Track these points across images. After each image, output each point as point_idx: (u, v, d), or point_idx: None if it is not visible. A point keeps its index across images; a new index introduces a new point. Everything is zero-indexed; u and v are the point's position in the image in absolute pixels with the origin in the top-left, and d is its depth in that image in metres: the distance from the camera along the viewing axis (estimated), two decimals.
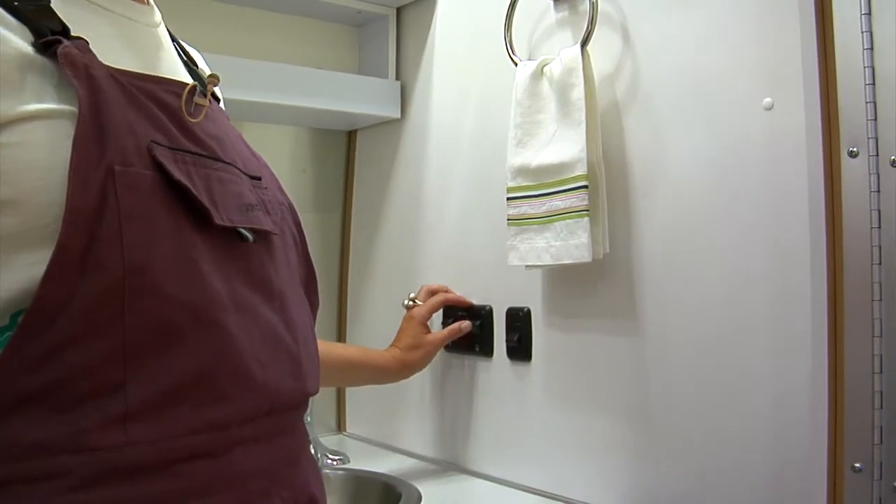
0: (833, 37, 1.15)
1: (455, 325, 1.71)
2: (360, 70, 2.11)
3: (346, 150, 2.19)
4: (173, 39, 0.99)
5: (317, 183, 2.15)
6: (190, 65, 0.99)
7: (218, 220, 0.77)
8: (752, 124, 1.25)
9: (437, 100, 1.90)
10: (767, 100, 1.22)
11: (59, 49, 0.70)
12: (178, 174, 0.73)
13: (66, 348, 0.66)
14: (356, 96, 1.94)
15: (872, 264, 1.10)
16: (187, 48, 1.05)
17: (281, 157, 2.09)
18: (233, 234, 0.80)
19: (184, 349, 0.72)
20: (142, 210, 0.70)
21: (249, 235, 0.82)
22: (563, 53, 1.44)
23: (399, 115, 1.99)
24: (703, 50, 1.32)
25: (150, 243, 0.70)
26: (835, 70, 1.16)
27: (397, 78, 2.02)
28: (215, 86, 0.90)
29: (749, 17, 1.26)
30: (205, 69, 1.05)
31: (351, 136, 2.19)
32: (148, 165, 0.72)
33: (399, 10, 2.05)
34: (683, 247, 1.34)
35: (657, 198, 1.38)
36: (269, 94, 1.77)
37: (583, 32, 1.44)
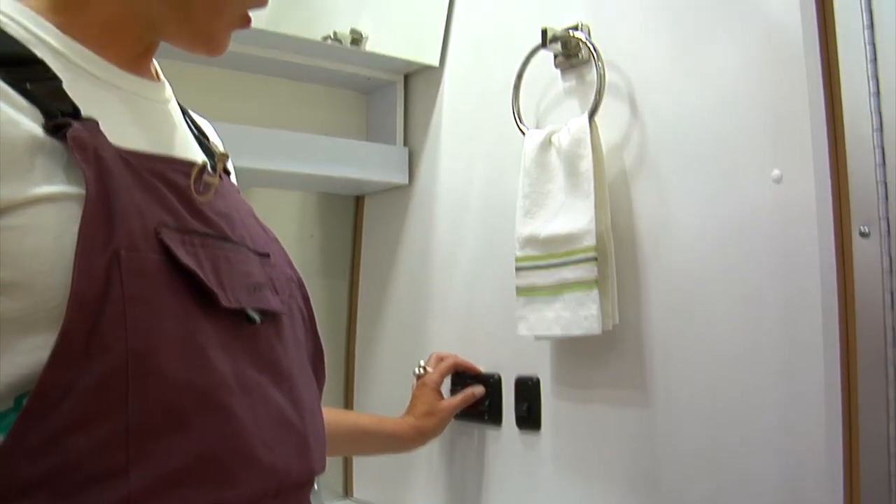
0: (842, 116, 1.15)
1: (468, 391, 1.70)
2: (368, 136, 2.12)
3: (354, 214, 2.19)
4: (184, 112, 1.00)
5: (324, 247, 2.14)
6: (201, 138, 1.00)
7: (225, 303, 0.76)
8: (760, 196, 1.24)
9: (445, 166, 1.90)
10: (776, 172, 1.22)
11: (69, 132, 0.70)
12: (185, 258, 0.73)
13: (70, 433, 0.65)
14: (364, 163, 1.94)
15: (886, 346, 1.09)
16: (198, 120, 1.05)
17: (288, 222, 2.09)
18: (240, 315, 0.80)
19: (189, 432, 0.71)
20: (147, 294, 0.70)
21: (257, 317, 0.81)
22: (570, 123, 1.44)
23: (407, 181, 2.00)
24: (711, 120, 1.33)
25: (155, 327, 0.70)
26: (844, 148, 1.15)
27: (405, 144, 2.03)
28: (225, 164, 0.90)
29: (757, 87, 1.27)
30: (216, 141, 1.05)
31: (359, 200, 2.19)
32: (155, 249, 0.72)
33: (407, 77, 2.06)
34: (693, 317, 1.33)
35: (666, 268, 1.37)
36: (277, 161, 1.78)
37: (590, 102, 1.44)
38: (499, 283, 1.67)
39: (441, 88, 1.94)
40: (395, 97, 2.05)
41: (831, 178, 1.15)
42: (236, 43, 1.71)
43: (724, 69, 1.32)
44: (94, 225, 0.68)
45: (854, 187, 1.13)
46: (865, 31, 1.14)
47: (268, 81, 1.98)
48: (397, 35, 1.96)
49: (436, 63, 1.95)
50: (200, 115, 1.08)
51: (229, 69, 1.90)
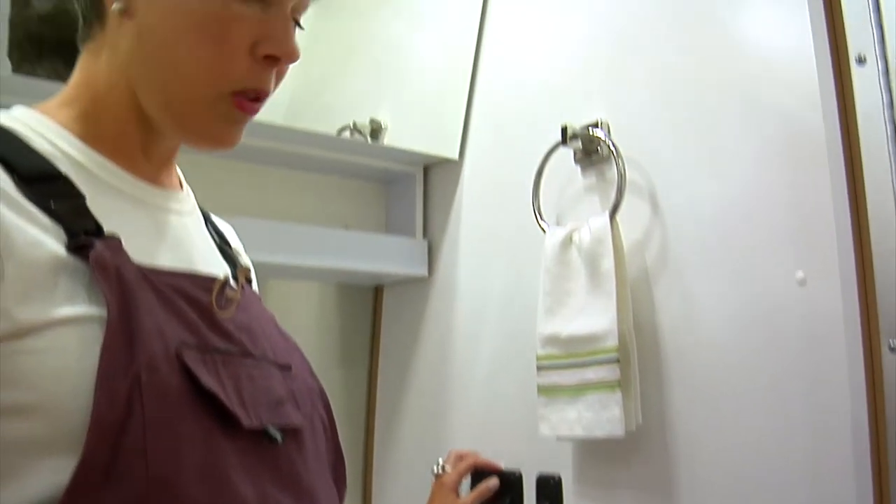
0: (868, 220, 1.14)
1: (483, 486, 1.66)
2: (388, 226, 2.12)
3: (373, 305, 2.19)
4: (206, 218, 0.99)
5: (343, 338, 2.13)
6: (223, 246, 0.99)
7: (247, 423, 0.75)
8: (784, 297, 1.23)
9: (464, 259, 1.90)
10: (800, 274, 1.21)
11: (91, 253, 0.70)
12: (207, 379, 0.72)
13: None
14: (383, 256, 1.94)
15: None
16: (219, 224, 1.05)
17: (307, 313, 2.09)
18: (262, 433, 0.78)
19: None
20: (167, 418, 0.68)
21: (279, 436, 0.80)
22: (591, 222, 1.44)
23: (427, 274, 1.99)
24: (733, 218, 1.32)
25: (175, 452, 0.68)
26: (871, 254, 1.14)
27: (425, 236, 2.03)
28: (247, 278, 0.90)
29: (778, 185, 1.26)
30: (237, 246, 1.05)
31: (378, 291, 2.18)
32: (176, 371, 0.71)
33: (426, 169, 2.07)
34: (717, 419, 1.31)
35: (690, 368, 1.36)
36: (296, 256, 1.77)
37: (611, 201, 1.44)
38: (520, 379, 1.65)
39: (461, 181, 1.95)
40: (414, 189, 2.06)
41: (858, 286, 1.14)
42: (254, 137, 1.75)
43: (744, 167, 1.32)
44: (116, 348, 0.67)
45: (882, 297, 1.12)
46: (889, 130, 1.13)
47: (286, 174, 1.99)
48: (417, 125, 1.98)
49: (455, 156, 1.96)
50: (221, 218, 1.07)
51: (249, 163, 1.91)
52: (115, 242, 0.74)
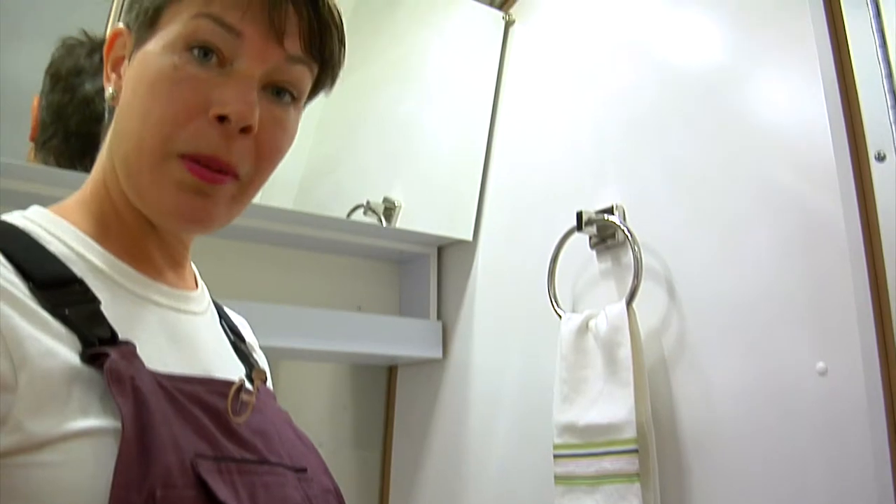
0: (890, 312, 1.13)
1: None
2: (401, 307, 2.12)
3: (387, 384, 2.17)
4: (219, 313, 0.99)
5: (356, 419, 2.11)
6: (237, 343, 0.99)
7: None
8: (805, 386, 1.21)
9: (479, 342, 1.89)
10: (820, 364, 1.20)
11: (106, 364, 0.69)
12: (222, 491, 0.71)
13: None
14: (397, 338, 1.93)
15: None
16: (233, 318, 1.04)
17: (320, 394, 2.07)
18: None
19: None
20: None
21: None
22: (608, 310, 1.43)
23: (441, 356, 1.98)
24: (751, 305, 1.31)
25: None
26: (894, 345, 1.12)
27: (439, 318, 2.02)
28: (263, 381, 0.89)
29: (798, 274, 1.25)
30: (251, 340, 1.05)
31: (392, 371, 2.17)
32: (191, 484, 0.69)
33: (440, 249, 2.07)
34: None
35: (709, 458, 1.33)
36: (309, 340, 1.77)
37: (628, 287, 1.43)
38: (536, 465, 1.62)
39: (475, 262, 1.95)
40: (428, 269, 2.06)
41: (882, 379, 1.12)
42: (266, 220, 1.75)
43: (761, 253, 1.31)
44: (130, 462, 0.66)
45: None
46: None
47: (299, 255, 1.99)
48: (431, 205, 1.98)
49: (469, 237, 1.96)
50: (234, 307, 1.07)
51: (259, 243, 1.91)
52: (129, 349, 0.73)
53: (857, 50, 1.21)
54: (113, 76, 0.84)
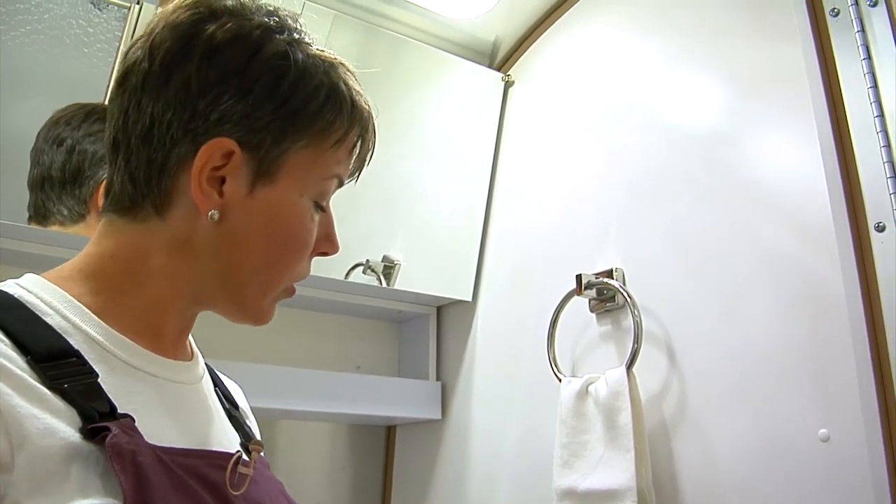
0: (892, 377, 1.12)
1: None
2: (400, 366, 2.11)
3: (386, 445, 2.15)
4: (214, 381, 0.99)
5: (355, 479, 2.09)
6: (231, 409, 0.99)
7: None
8: (807, 452, 1.20)
9: (478, 403, 1.88)
10: (823, 431, 1.19)
11: (107, 441, 0.69)
12: None
13: None
14: (396, 398, 1.92)
15: None
16: (227, 385, 1.05)
17: (318, 454, 2.05)
18: None
19: None
20: None
21: None
22: (608, 374, 1.42)
23: (440, 416, 1.96)
24: (753, 370, 1.30)
25: None
26: None
27: (438, 378, 2.00)
28: (259, 452, 0.88)
29: (800, 339, 1.25)
30: (245, 408, 1.05)
31: (391, 431, 2.15)
32: None
33: (440, 310, 2.06)
34: None
35: None
36: (307, 402, 1.76)
37: (628, 351, 1.43)
38: None
39: (475, 323, 1.94)
40: (427, 329, 2.05)
41: (885, 448, 1.11)
42: None
43: (762, 318, 1.30)
44: None
45: None
46: None
47: (297, 314, 1.98)
48: (430, 265, 1.98)
49: (469, 298, 1.95)
50: (228, 373, 1.07)
51: None
52: (129, 423, 0.73)
53: (854, 120, 1.22)
54: (213, 193, 0.83)
